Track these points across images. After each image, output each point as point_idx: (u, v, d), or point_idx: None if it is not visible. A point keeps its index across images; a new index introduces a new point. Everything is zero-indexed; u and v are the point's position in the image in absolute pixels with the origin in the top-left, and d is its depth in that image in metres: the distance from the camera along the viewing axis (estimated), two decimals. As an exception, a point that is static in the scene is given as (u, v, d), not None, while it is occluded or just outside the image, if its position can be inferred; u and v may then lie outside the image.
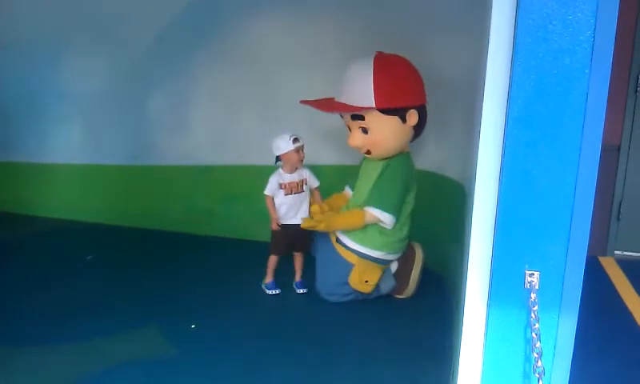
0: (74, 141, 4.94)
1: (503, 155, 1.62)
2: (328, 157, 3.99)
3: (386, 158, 3.65)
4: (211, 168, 4.67)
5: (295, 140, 3.60)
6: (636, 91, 4.30)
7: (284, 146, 3.60)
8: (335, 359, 3.12)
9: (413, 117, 3.53)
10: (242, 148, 4.51)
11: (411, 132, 3.61)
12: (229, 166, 4.63)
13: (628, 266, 4.40)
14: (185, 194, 4.75)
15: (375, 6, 3.96)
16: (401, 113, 3.50)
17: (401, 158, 3.65)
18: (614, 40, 1.52)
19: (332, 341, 3.30)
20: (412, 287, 3.78)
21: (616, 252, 4.57)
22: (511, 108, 1.59)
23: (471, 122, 3.48)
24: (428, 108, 3.96)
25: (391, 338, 3.33)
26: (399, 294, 3.79)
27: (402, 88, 3.51)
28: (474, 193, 2.04)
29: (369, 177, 3.70)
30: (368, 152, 3.65)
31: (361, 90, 3.46)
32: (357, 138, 3.60)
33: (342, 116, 3.66)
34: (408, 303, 3.76)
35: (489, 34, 1.63)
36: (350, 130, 3.63)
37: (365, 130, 3.56)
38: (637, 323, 3.65)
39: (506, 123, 1.60)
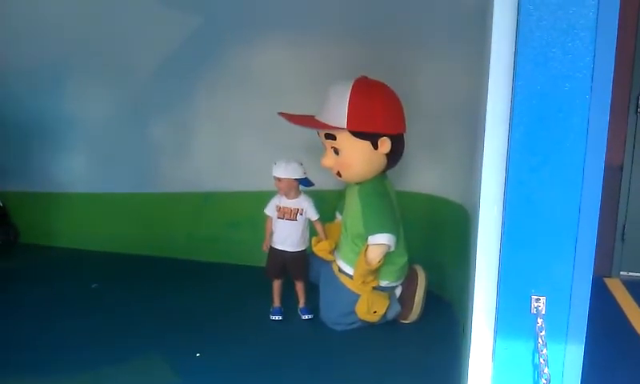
0: (77, 169, 4.95)
1: (507, 181, 1.63)
2: (328, 182, 3.99)
3: (359, 183, 3.66)
4: (214, 194, 4.68)
5: (275, 168, 3.63)
6: (637, 112, 4.33)
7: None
8: (341, 387, 3.10)
9: (385, 144, 3.52)
10: (244, 174, 4.53)
11: (383, 159, 3.60)
12: (231, 192, 4.64)
13: (634, 287, 4.39)
14: (188, 221, 4.75)
15: (375, 31, 3.99)
16: (373, 138, 3.51)
17: (373, 182, 3.65)
18: (613, 65, 1.54)
19: (338, 368, 3.28)
20: (416, 311, 3.76)
21: (621, 273, 4.56)
22: (513, 134, 1.60)
23: (473, 145, 3.50)
24: (427, 129, 3.99)
25: (398, 364, 3.30)
26: (404, 319, 3.77)
27: (376, 114, 3.51)
28: (477, 218, 2.04)
29: (350, 203, 3.72)
30: (339, 174, 3.67)
31: (336, 109, 3.49)
32: (328, 158, 3.63)
33: (318, 134, 3.69)
34: (413, 328, 3.74)
35: (489, 62, 1.65)
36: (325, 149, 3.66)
37: (336, 151, 3.58)
38: (644, 344, 3.63)
39: (509, 149, 1.62)
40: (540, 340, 1.58)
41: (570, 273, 1.63)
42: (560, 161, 1.60)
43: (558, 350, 1.66)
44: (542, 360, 1.55)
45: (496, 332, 1.71)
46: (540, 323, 1.60)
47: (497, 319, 1.71)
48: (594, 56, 1.53)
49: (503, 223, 1.66)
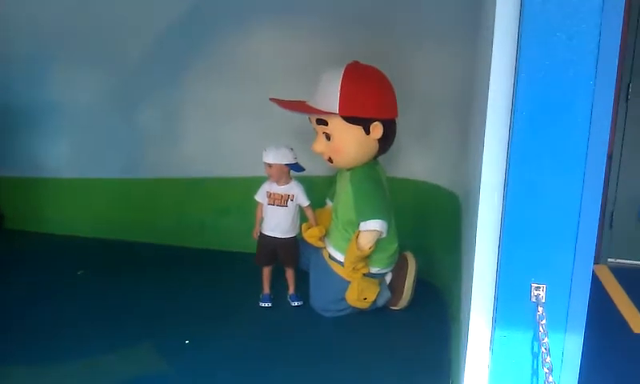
0: (64, 155, 4.87)
1: (508, 167, 1.61)
2: (319, 168, 3.97)
3: (350, 169, 3.63)
4: (202, 180, 4.62)
5: (265, 154, 3.59)
6: (627, 99, 4.34)
7: None
8: (332, 374, 3.07)
9: (377, 129, 3.49)
10: (233, 160, 4.48)
11: (375, 145, 3.56)
12: (220, 178, 4.59)
13: (621, 274, 4.43)
14: (176, 207, 4.69)
15: (367, 19, 3.97)
16: (364, 123, 3.47)
17: (364, 168, 3.62)
18: (618, 51, 1.52)
19: (328, 355, 3.26)
20: (406, 298, 3.75)
21: (609, 259, 4.59)
22: (516, 120, 1.57)
23: (464, 132, 3.49)
24: (418, 116, 3.98)
25: (388, 350, 3.29)
26: (394, 306, 3.76)
27: (368, 98, 3.47)
28: (473, 204, 2.02)
29: (341, 189, 3.70)
30: (330, 160, 3.64)
31: (328, 95, 3.45)
32: (319, 144, 3.59)
33: (309, 120, 3.65)
34: (403, 314, 3.73)
35: (491, 47, 1.62)
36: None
37: (328, 137, 3.55)
38: (632, 330, 3.66)
39: (511, 135, 1.59)
40: (541, 328, 1.57)
41: (570, 261, 1.61)
42: (562, 147, 1.57)
43: (557, 339, 1.64)
44: (543, 349, 1.53)
45: (495, 320, 1.69)
46: (540, 311, 1.58)
47: (496, 307, 1.69)
48: (599, 41, 1.50)
49: (504, 210, 1.64)
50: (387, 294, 3.71)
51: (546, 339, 1.54)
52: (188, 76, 4.47)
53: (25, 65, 4.66)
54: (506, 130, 1.62)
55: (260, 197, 3.71)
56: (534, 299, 1.62)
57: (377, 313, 3.69)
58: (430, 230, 4.11)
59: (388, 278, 3.76)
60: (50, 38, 4.52)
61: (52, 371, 3.06)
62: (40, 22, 4.48)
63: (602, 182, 1.57)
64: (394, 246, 3.70)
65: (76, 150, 4.85)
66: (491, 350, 1.73)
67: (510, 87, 1.60)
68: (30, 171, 4.90)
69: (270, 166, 3.60)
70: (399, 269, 3.76)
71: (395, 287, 3.74)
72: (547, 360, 1.51)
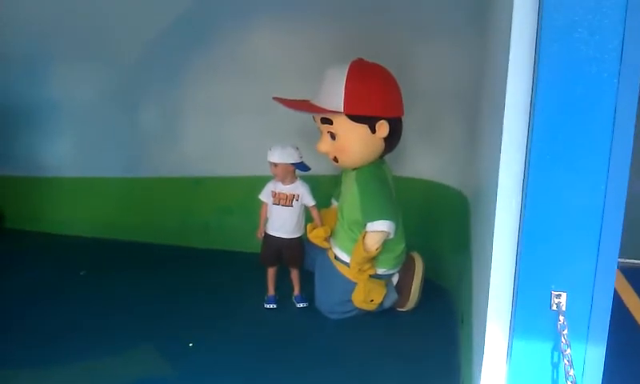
0: (65, 154, 4.83)
1: (527, 170, 1.54)
2: (325, 168, 3.89)
3: (356, 168, 3.56)
4: (205, 179, 4.57)
5: (271, 154, 3.53)
6: (636, 96, 4.26)
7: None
8: (337, 377, 3.01)
9: (383, 128, 3.42)
10: (236, 159, 4.43)
11: (381, 144, 3.49)
12: (223, 178, 4.54)
13: (631, 274, 4.35)
14: (179, 207, 4.64)
15: (370, 16, 3.90)
16: (370, 122, 3.40)
17: (370, 167, 3.55)
18: (644, 48, 1.44)
19: (333, 358, 3.20)
20: (413, 299, 3.69)
21: (619, 259, 4.52)
22: (535, 120, 1.50)
23: (472, 130, 3.43)
24: (424, 114, 3.92)
25: (395, 353, 3.23)
26: (401, 307, 3.70)
27: (374, 97, 3.41)
28: (486, 206, 1.95)
29: (346, 189, 3.64)
30: (335, 159, 3.57)
31: (332, 93, 3.39)
32: (324, 143, 3.53)
33: (314, 119, 3.58)
34: (410, 316, 3.67)
35: (508, 44, 1.55)
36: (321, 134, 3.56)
37: (333, 136, 3.48)
38: (643, 331, 3.60)
39: (531, 137, 1.52)
40: (563, 339, 1.49)
41: (592, 268, 1.54)
42: (584, 149, 1.50)
43: (578, 349, 1.57)
44: (566, 361, 1.46)
45: (513, 329, 1.62)
46: (562, 321, 1.51)
47: (514, 316, 1.62)
48: (623, 37, 1.43)
49: (522, 215, 1.57)
50: (394, 296, 3.65)
51: (568, 350, 1.46)
52: (189, 74, 4.42)
53: (25, 65, 4.64)
54: (524, 131, 1.55)
55: (265, 196, 3.64)
56: (554, 307, 1.55)
57: (383, 315, 3.63)
58: (438, 230, 4.05)
59: (395, 279, 3.70)
60: (49, 38, 4.48)
61: (53, 374, 3.02)
62: (39, 21, 4.45)
63: (626, 185, 1.49)
64: (401, 247, 3.63)
65: (77, 149, 4.81)
66: (508, 360, 1.65)
67: (528, 86, 1.53)
68: (31, 170, 4.86)
69: (275, 165, 3.53)
70: (406, 270, 3.69)
71: (402, 288, 3.68)
72: (571, 373, 1.43)
